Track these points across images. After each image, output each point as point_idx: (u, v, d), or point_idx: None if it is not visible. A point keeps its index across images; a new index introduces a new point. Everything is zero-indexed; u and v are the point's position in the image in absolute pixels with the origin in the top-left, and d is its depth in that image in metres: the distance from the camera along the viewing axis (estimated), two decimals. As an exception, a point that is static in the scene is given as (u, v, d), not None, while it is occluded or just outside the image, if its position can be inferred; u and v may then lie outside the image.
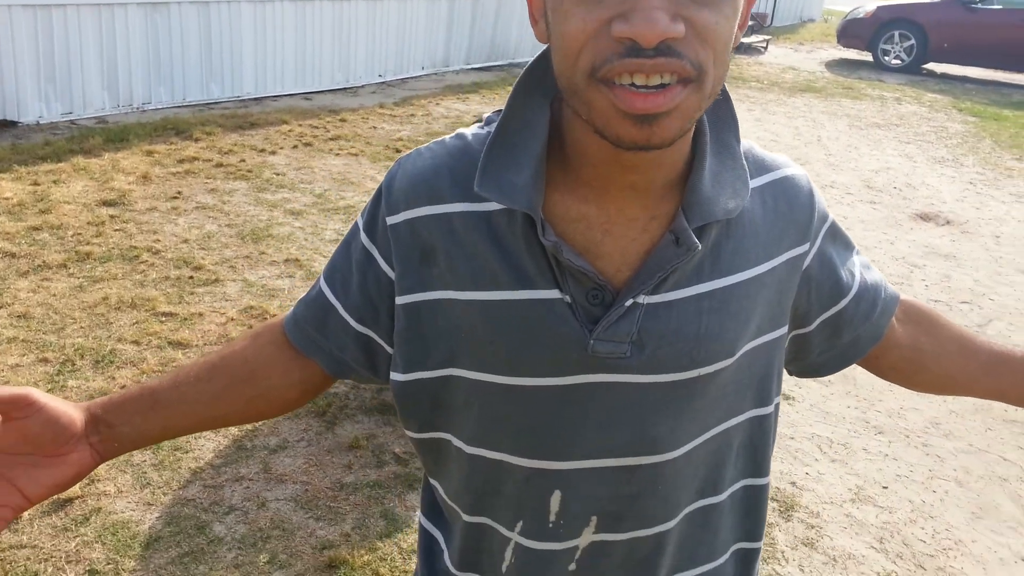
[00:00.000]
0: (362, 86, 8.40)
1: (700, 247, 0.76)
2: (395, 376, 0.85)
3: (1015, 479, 3.04)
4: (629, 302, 0.77)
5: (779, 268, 0.84)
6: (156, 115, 6.43)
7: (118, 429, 0.83)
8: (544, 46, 0.76)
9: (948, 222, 5.98)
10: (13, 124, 5.83)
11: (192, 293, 3.66)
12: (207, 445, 2.66)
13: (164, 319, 3.39)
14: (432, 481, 0.93)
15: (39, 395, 0.78)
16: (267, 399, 0.90)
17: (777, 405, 0.91)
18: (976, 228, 5.88)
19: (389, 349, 0.87)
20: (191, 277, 3.80)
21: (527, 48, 10.63)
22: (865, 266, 0.95)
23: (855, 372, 3.67)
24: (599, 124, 0.69)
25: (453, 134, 0.84)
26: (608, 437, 0.80)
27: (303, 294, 0.96)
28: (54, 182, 4.76)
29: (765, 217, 0.83)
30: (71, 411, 0.81)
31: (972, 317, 4.42)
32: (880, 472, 3.01)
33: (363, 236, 0.85)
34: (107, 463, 2.47)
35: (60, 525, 2.25)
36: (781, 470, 2.95)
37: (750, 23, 14.07)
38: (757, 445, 0.90)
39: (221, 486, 2.48)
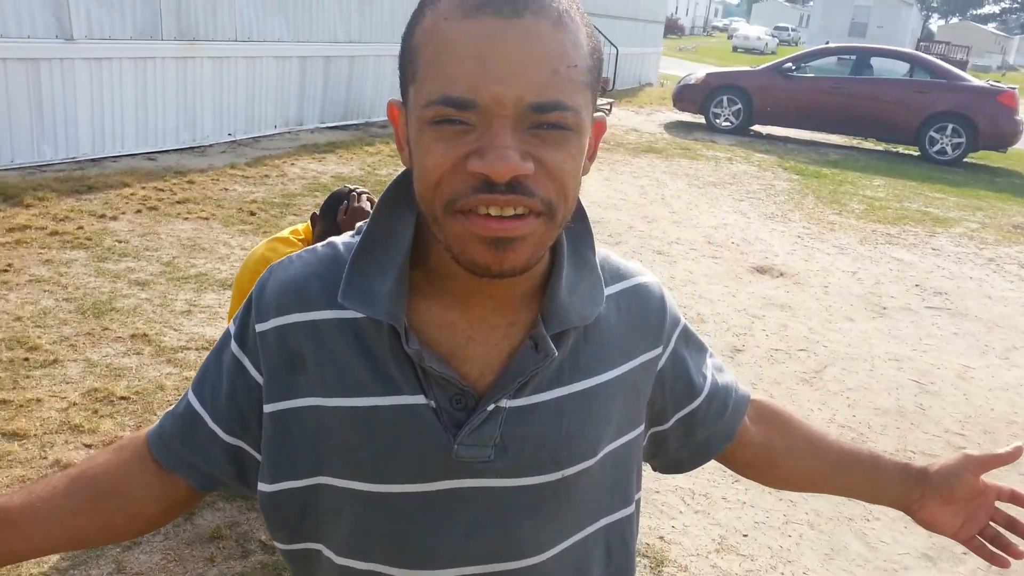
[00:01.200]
0: (210, 145, 8.13)
1: (557, 353, 0.81)
2: (263, 487, 0.85)
3: (859, 518, 3.27)
4: (491, 406, 0.80)
5: (635, 370, 0.90)
6: (-21, 178, 5.95)
7: None
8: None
9: (781, 274, 6.46)
10: None
11: (28, 376, 3.36)
12: (50, 547, 2.43)
13: (-5, 407, 3.10)
14: None
15: None
16: (128, 515, 0.88)
17: (638, 501, 0.96)
18: (806, 279, 6.38)
19: (260, 458, 0.87)
20: (26, 359, 3.50)
21: (381, 107, 10.68)
22: (718, 368, 1.03)
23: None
24: (456, 250, 0.74)
25: (325, 242, 0.87)
26: (474, 543, 0.82)
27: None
28: None
29: (620, 322, 0.89)
30: None
31: (809, 363, 4.77)
32: (740, 520, 3.17)
33: (234, 345, 0.86)
34: (-68, 578, 2.21)
35: None
36: (649, 525, 3.04)
37: (593, 86, 14.85)
38: (627, 542, 0.95)
39: (68, 593, 2.27)
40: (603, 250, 0.94)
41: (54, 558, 2.39)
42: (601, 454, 0.86)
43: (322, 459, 0.82)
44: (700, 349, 1.01)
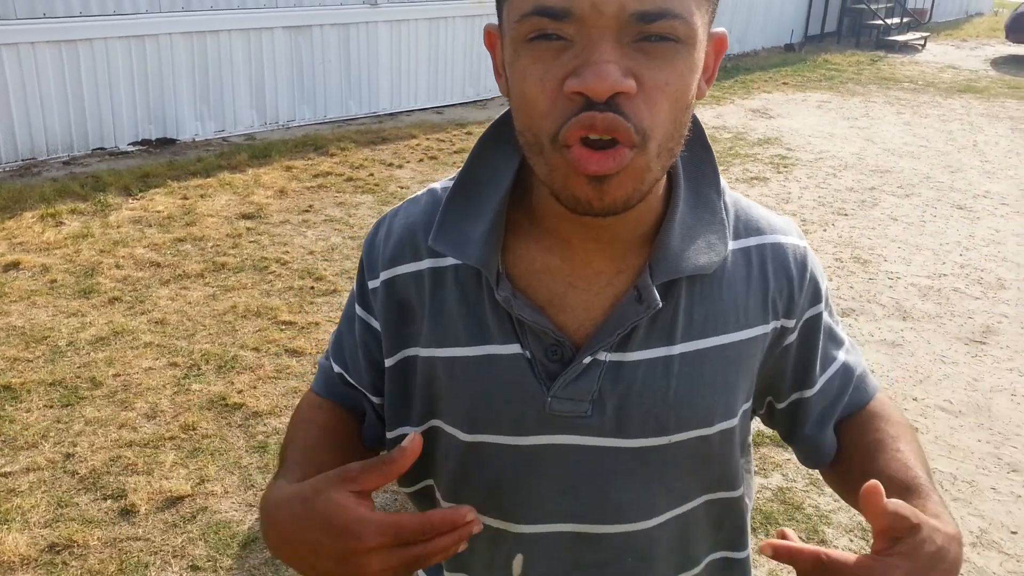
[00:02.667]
0: (492, 99, 8.56)
1: (660, 304, 0.74)
2: (388, 434, 0.85)
3: None
4: (588, 359, 0.74)
5: (760, 339, 0.80)
6: (299, 132, 6.83)
7: None
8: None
9: (1122, 236, 5.39)
10: (172, 142, 6.37)
11: (311, 303, 3.86)
12: (309, 451, 2.80)
13: (283, 327, 3.60)
14: None
15: None
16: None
17: (746, 480, 0.86)
18: None
19: None
20: (312, 287, 4.01)
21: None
22: (846, 368, 0.88)
23: (990, 402, 3.38)
24: (556, 186, 0.68)
25: (426, 189, 0.84)
26: (569, 502, 0.78)
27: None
28: (201, 196, 5.16)
29: (748, 281, 0.79)
30: None
31: None
32: (1009, 515, 2.76)
33: (358, 309, 0.85)
34: (217, 464, 2.64)
35: (171, 521, 2.44)
36: (894, 506, 2.76)
37: (905, 19, 13.26)
38: (733, 521, 0.86)
39: (318, 491, 2.60)
40: (744, 198, 0.84)
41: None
42: (720, 425, 0.78)
43: (432, 407, 0.81)
44: (835, 341, 0.88)
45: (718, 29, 0.71)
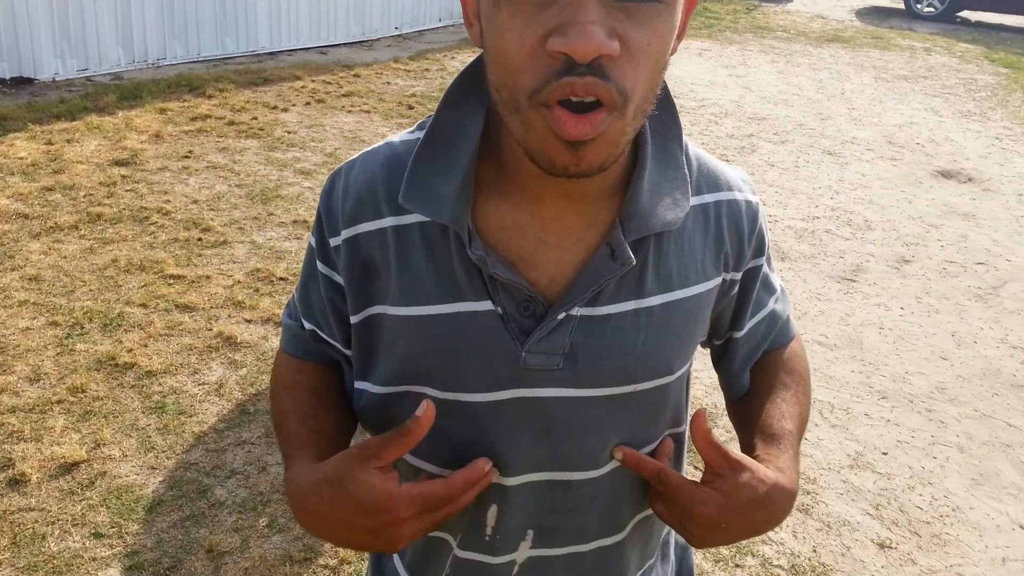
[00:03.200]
0: (378, 39, 8.31)
1: (634, 262, 0.75)
2: (354, 383, 0.86)
3: (1019, 445, 3.02)
4: (562, 315, 0.76)
5: (713, 290, 0.84)
6: (171, 71, 6.43)
7: None
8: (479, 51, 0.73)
9: (970, 179, 5.86)
10: (29, 81, 5.86)
11: (200, 255, 3.70)
12: (211, 409, 2.72)
13: (172, 281, 3.44)
14: None
15: None
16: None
17: (687, 417, 0.92)
18: (998, 186, 5.75)
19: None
20: (199, 239, 3.83)
21: None
22: (773, 316, 0.95)
23: (861, 336, 3.65)
24: (532, 147, 0.68)
25: (383, 142, 0.82)
26: (542, 452, 0.80)
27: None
28: (68, 141, 4.80)
29: (706, 235, 0.83)
30: None
31: (986, 278, 4.35)
32: (881, 438, 3.01)
33: (319, 264, 0.84)
34: (112, 427, 2.53)
35: (67, 488, 2.33)
36: (780, 436, 2.96)
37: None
38: (680, 454, 0.92)
39: (224, 450, 2.54)
40: (701, 151, 0.86)
41: (212, 419, 2.67)
42: (678, 372, 0.82)
43: (400, 367, 0.80)
44: (768, 289, 0.94)
45: None
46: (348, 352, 0.87)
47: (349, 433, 0.87)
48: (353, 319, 0.82)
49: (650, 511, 0.89)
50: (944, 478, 2.83)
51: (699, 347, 0.93)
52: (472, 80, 0.78)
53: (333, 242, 0.81)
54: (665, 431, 0.87)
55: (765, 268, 0.91)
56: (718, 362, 0.98)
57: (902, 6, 12.62)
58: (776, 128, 6.64)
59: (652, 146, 0.79)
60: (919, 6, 12.27)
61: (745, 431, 0.91)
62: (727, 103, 7.20)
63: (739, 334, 0.93)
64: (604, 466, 0.82)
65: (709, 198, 0.83)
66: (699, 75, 8.06)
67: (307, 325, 0.88)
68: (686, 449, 0.94)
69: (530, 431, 0.79)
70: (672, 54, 0.69)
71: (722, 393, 1.00)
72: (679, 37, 0.71)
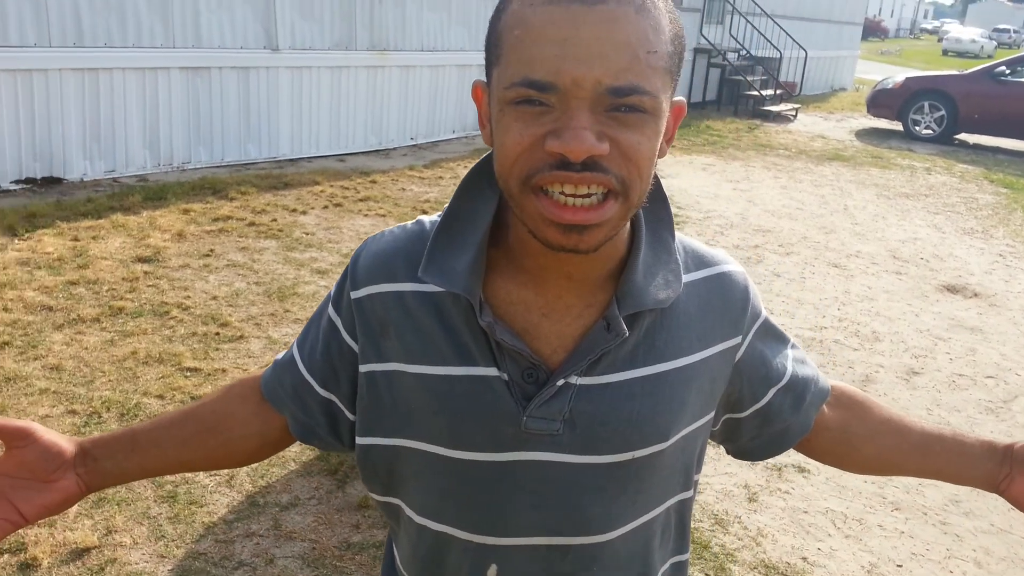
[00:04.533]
0: (394, 148, 8.63)
1: (628, 333, 0.83)
2: (358, 439, 0.92)
3: (1036, 561, 2.97)
4: (561, 382, 0.83)
5: (712, 358, 0.90)
6: (195, 174, 6.66)
7: (101, 464, 0.93)
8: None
9: (975, 295, 5.94)
10: (59, 181, 6.08)
11: (217, 349, 3.75)
12: (221, 500, 2.71)
13: (189, 374, 3.49)
14: (393, 545, 1.00)
15: (37, 428, 0.89)
16: (227, 448, 0.98)
17: (696, 483, 0.97)
18: (1004, 302, 5.83)
19: (351, 416, 0.94)
20: (217, 333, 3.90)
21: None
22: (799, 360, 1.01)
23: (873, 445, 3.64)
24: (531, 227, 0.77)
25: (415, 220, 0.93)
26: (543, 515, 0.85)
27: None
28: (93, 238, 4.95)
29: (699, 309, 0.90)
30: (62, 443, 0.91)
31: (996, 392, 4.36)
32: (895, 550, 2.97)
33: (330, 308, 0.93)
34: (124, 515, 2.53)
35: (76, 574, 2.30)
36: (793, 544, 2.92)
37: (778, 92, 14.29)
38: (684, 525, 0.96)
39: (232, 541, 2.52)
40: (687, 237, 0.95)
41: (222, 510, 2.67)
42: (674, 438, 0.87)
43: (405, 422, 0.87)
44: (781, 340, 1.00)
45: (677, 98, 0.81)
46: (320, 391, 0.94)
47: (165, 467, 0.98)
48: (363, 368, 0.89)
49: None
50: (962, 592, 2.77)
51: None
52: (486, 170, 0.87)
53: (354, 295, 0.89)
54: (671, 498, 0.92)
55: (769, 322, 0.98)
56: (776, 417, 1.00)
57: (900, 128, 13.07)
58: (781, 240, 6.79)
59: (646, 234, 0.87)
60: (917, 128, 12.72)
61: (929, 463, 1.00)
62: (732, 215, 7.39)
63: (777, 387, 0.98)
64: (603, 533, 0.87)
65: (698, 275, 0.91)
66: (704, 188, 8.30)
67: (296, 354, 0.97)
68: (692, 510, 0.98)
69: (530, 494, 0.85)
70: (661, 155, 0.79)
71: (785, 447, 1.03)
72: (668, 141, 0.81)
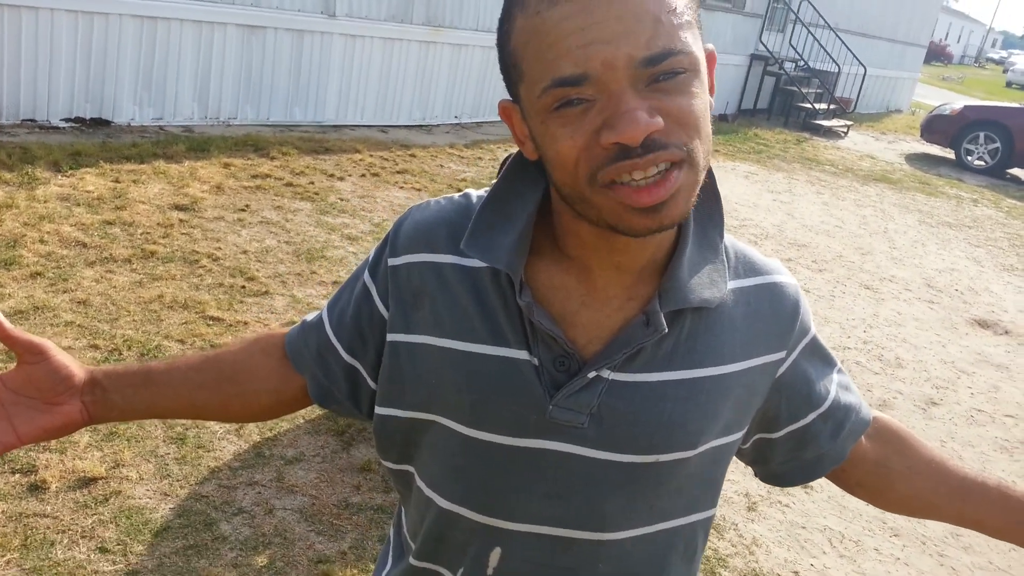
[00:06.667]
0: (437, 125, 8.66)
1: (666, 330, 0.79)
2: (376, 409, 0.90)
3: (1032, 602, 2.94)
4: (592, 374, 0.80)
5: (752, 371, 0.86)
6: (240, 131, 6.75)
7: (110, 395, 0.91)
8: None
9: (1007, 332, 5.84)
10: (107, 123, 6.20)
11: (241, 302, 3.82)
12: (228, 447, 2.77)
13: (211, 323, 3.56)
14: (401, 510, 0.98)
15: (52, 347, 0.88)
16: (242, 400, 0.96)
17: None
18: (1035, 341, 5.72)
19: (372, 385, 0.91)
20: (243, 287, 3.97)
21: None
22: (843, 386, 0.96)
23: (880, 469, 3.61)
24: (612, 222, 0.73)
25: (462, 193, 0.90)
26: (554, 506, 0.83)
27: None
28: (134, 181, 5.04)
29: (746, 317, 0.86)
30: (73, 367, 0.89)
31: (1015, 432, 4.30)
32: (888, 575, 2.95)
33: (366, 274, 0.91)
34: (133, 451, 2.60)
35: (81, 501, 2.38)
36: (786, 557, 2.91)
37: (832, 106, 14.08)
38: (700, 545, 0.92)
39: (235, 487, 2.58)
40: (741, 243, 0.92)
41: (228, 457, 2.73)
42: (702, 448, 0.84)
43: (431, 396, 0.84)
44: (828, 363, 0.96)
45: (707, 45, 0.77)
46: (345, 356, 0.92)
47: (175, 409, 0.96)
48: (390, 337, 0.87)
49: None
50: (952, 624, 2.75)
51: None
52: None
53: (392, 262, 0.87)
54: (696, 513, 0.88)
55: (818, 340, 0.94)
56: (812, 443, 0.95)
57: (952, 156, 12.83)
58: (815, 256, 6.72)
59: (694, 230, 0.84)
60: (969, 158, 12.46)
61: (968, 510, 0.96)
62: (768, 226, 7.33)
63: (818, 412, 0.93)
64: (613, 531, 0.84)
65: (748, 282, 0.87)
66: (744, 196, 8.23)
67: (325, 315, 0.95)
68: (707, 535, 0.94)
69: (546, 483, 0.82)
70: (712, 109, 0.76)
71: (817, 476, 0.98)
72: (711, 91, 0.78)
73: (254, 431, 2.89)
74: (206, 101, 6.80)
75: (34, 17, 5.61)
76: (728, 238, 0.89)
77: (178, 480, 2.56)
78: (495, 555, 0.85)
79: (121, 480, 2.50)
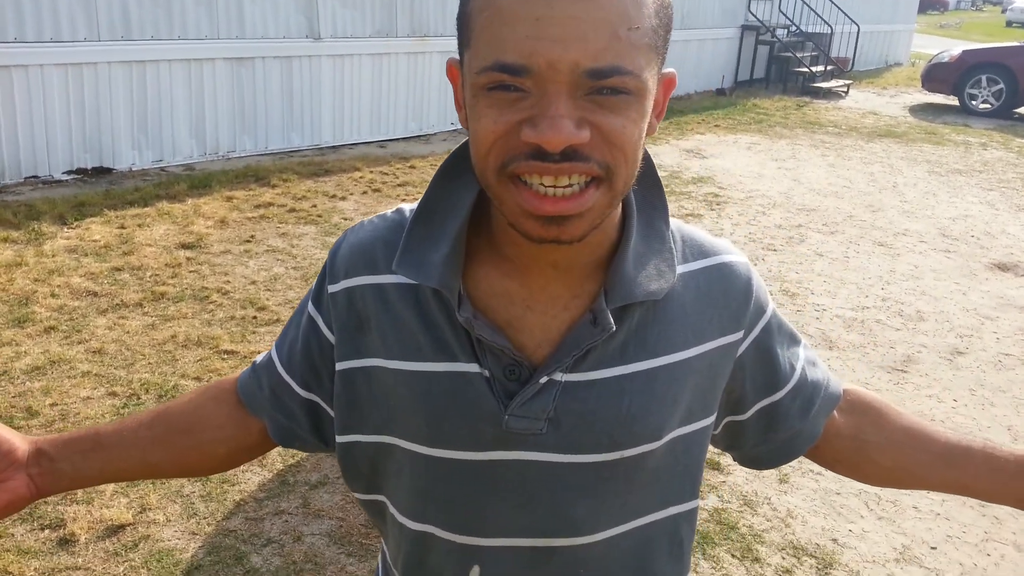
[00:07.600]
0: (435, 133, 8.67)
1: (614, 328, 0.78)
2: (337, 438, 0.87)
3: (1079, 545, 2.89)
4: (544, 379, 0.78)
5: (709, 354, 0.84)
6: (239, 163, 6.80)
7: (58, 464, 0.87)
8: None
9: (1028, 272, 5.74)
10: (108, 171, 6.27)
11: (254, 332, 3.85)
12: (252, 479, 2.79)
13: (226, 356, 3.58)
14: (384, 545, 0.96)
15: None
16: (199, 451, 0.93)
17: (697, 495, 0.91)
18: (1058, 279, 5.63)
19: (332, 413, 0.89)
20: (254, 317, 4.00)
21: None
22: (810, 362, 0.95)
23: (911, 427, 3.56)
24: (510, 219, 0.72)
25: (395, 209, 0.88)
26: (526, 516, 0.81)
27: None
28: (139, 225, 5.10)
29: (697, 301, 0.84)
30: (16, 440, 0.85)
31: (1046, 373, 4.23)
32: (930, 532, 2.91)
33: (311, 306, 0.89)
34: (159, 493, 2.62)
35: (111, 550, 2.40)
36: (823, 526, 2.88)
37: (829, 68, 13.93)
38: (686, 538, 0.90)
39: (262, 519, 2.60)
40: (688, 226, 0.89)
41: (253, 488, 2.75)
42: (667, 438, 0.82)
43: (387, 419, 0.83)
44: (791, 339, 0.93)
45: (667, 70, 0.75)
46: (300, 391, 0.90)
47: (133, 471, 0.92)
48: (339, 365, 0.85)
49: None
50: (998, 576, 2.71)
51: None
52: (465, 155, 0.81)
53: (331, 288, 0.85)
54: (674, 505, 0.87)
55: (777, 318, 0.92)
56: (783, 422, 0.93)
57: (956, 103, 12.65)
58: (825, 219, 6.65)
59: (638, 221, 0.82)
60: (974, 103, 12.28)
61: (954, 476, 0.93)
62: (775, 194, 7.26)
63: (784, 390, 0.91)
64: (588, 535, 0.82)
65: (697, 265, 0.85)
66: (748, 168, 8.17)
67: (274, 356, 0.92)
68: (693, 528, 0.92)
69: (513, 494, 0.80)
70: (650, 133, 0.74)
71: (794, 456, 0.96)
72: (658, 117, 0.76)
73: (277, 460, 2.90)
74: (203, 137, 6.85)
75: (24, 75, 5.68)
76: (675, 222, 0.87)
77: (205, 518, 2.58)
78: (474, 573, 0.84)
79: (149, 524, 2.52)
